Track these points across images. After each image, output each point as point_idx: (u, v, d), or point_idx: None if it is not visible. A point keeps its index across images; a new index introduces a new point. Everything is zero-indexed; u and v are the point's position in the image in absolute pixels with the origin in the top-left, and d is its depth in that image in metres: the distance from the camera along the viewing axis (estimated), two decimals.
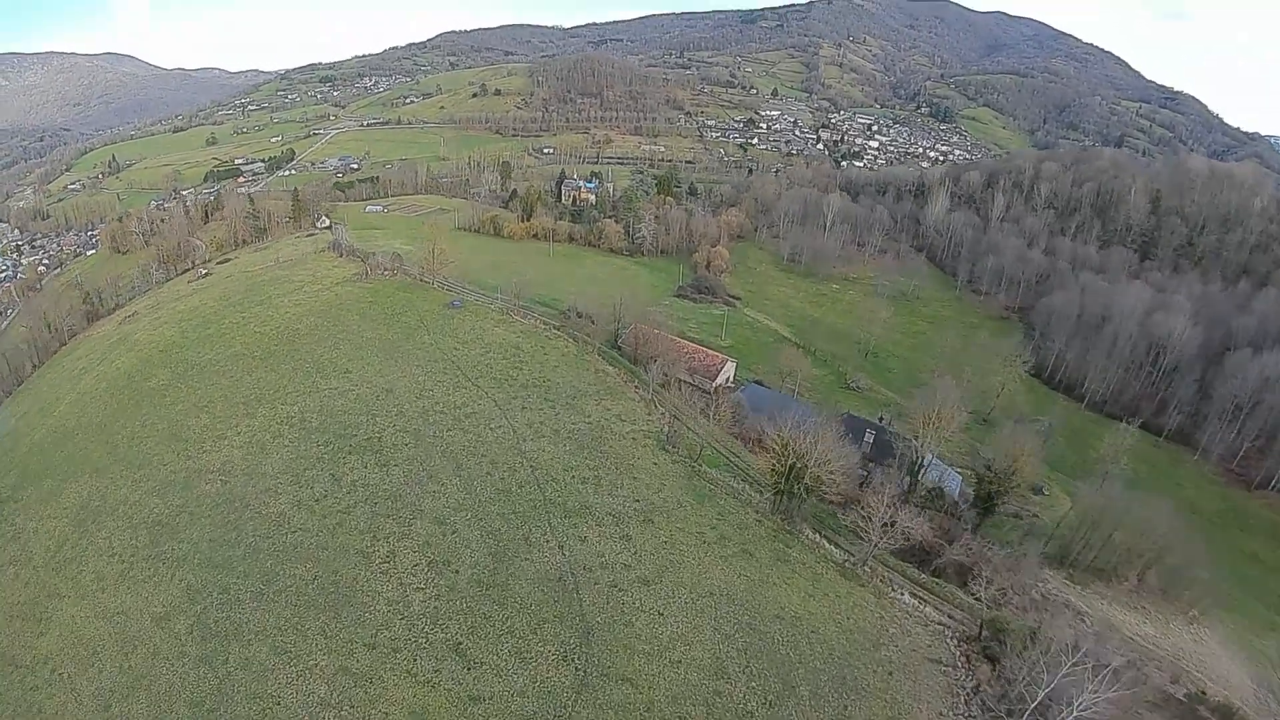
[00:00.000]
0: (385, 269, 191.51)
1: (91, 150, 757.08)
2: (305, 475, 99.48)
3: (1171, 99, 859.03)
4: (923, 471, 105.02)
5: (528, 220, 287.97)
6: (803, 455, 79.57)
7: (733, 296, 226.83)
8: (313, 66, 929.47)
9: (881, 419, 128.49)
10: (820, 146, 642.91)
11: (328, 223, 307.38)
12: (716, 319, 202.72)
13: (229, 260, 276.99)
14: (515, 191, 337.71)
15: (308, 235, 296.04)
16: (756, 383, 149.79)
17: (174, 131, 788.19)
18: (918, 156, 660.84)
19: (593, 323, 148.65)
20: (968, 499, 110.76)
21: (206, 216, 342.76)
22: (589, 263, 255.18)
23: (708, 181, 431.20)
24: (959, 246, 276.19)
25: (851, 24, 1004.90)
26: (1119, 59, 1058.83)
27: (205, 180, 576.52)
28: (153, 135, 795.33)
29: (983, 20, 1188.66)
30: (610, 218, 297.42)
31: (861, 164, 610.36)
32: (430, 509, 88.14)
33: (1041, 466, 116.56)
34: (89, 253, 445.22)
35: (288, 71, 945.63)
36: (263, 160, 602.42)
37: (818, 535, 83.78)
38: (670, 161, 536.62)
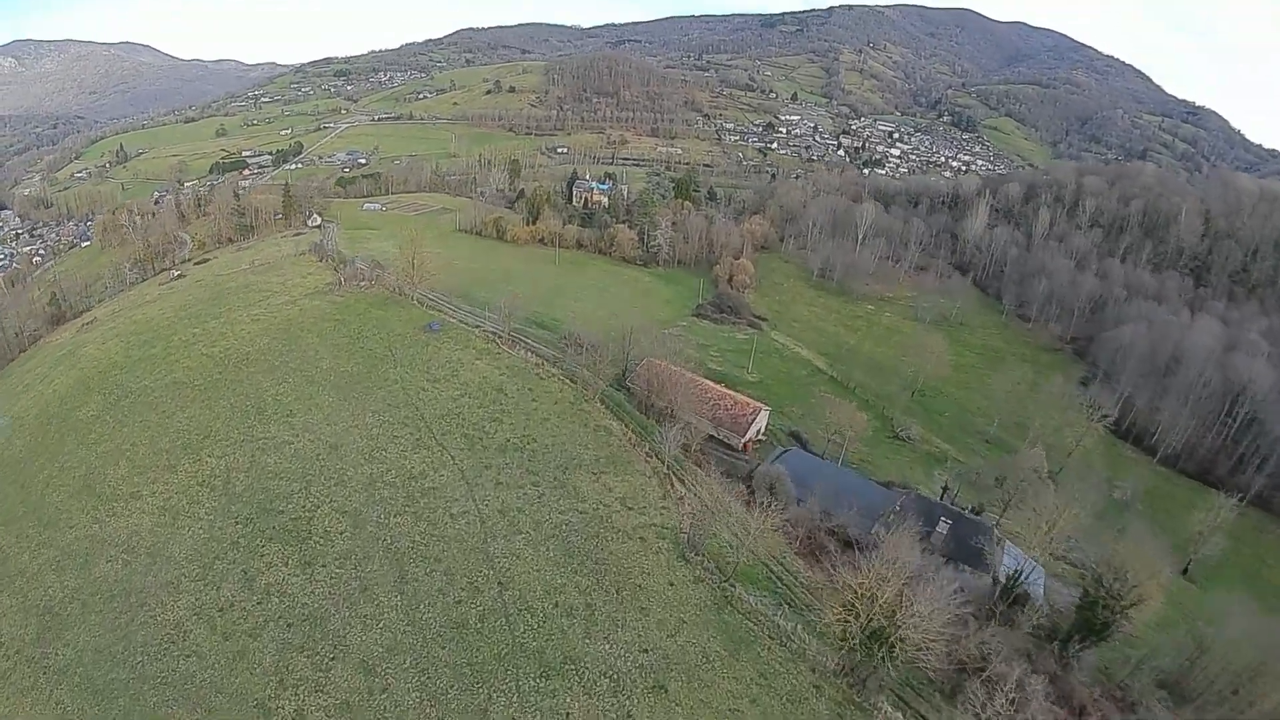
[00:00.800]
0: (362, 279, 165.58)
1: (102, 139, 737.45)
2: (215, 568, 76.10)
3: (1193, 114, 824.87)
4: (1020, 583, 77.77)
5: (534, 224, 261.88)
6: (890, 611, 52.35)
7: (758, 317, 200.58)
8: (328, 60, 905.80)
9: (953, 494, 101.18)
10: (841, 153, 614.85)
11: (318, 221, 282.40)
12: (741, 346, 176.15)
13: (208, 260, 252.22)
14: (523, 192, 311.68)
15: (295, 235, 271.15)
16: (796, 439, 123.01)
17: (185, 122, 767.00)
18: (940, 166, 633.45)
19: (596, 356, 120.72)
20: (1058, 610, 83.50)
21: (200, 211, 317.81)
22: (598, 273, 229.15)
23: (727, 186, 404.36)
24: (1001, 265, 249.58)
25: (872, 30, 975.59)
26: (1139, 71, 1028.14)
27: (210, 172, 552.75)
28: (164, 125, 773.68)
29: (1003, 30, 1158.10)
30: (624, 223, 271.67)
31: (884, 172, 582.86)
32: (358, 646, 63.08)
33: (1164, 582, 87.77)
34: (84, 244, 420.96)
35: (303, 65, 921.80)
36: (270, 153, 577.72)
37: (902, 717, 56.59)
38: (688, 164, 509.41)
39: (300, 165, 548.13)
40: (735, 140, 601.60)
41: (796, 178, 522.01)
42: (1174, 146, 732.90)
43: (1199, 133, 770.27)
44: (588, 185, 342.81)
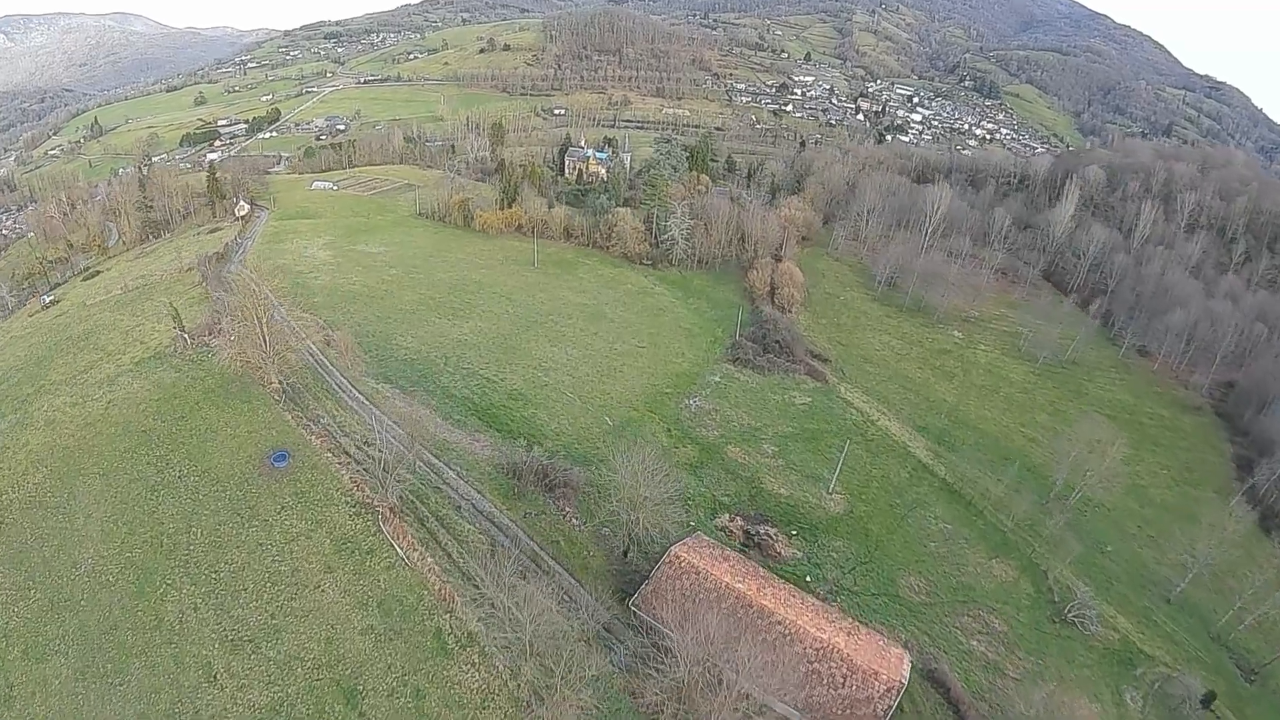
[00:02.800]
0: (225, 333, 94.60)
1: (84, 112, 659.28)
2: None
3: (1216, 89, 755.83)
4: None
5: (509, 206, 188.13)
6: None
7: (818, 357, 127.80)
8: (321, 24, 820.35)
9: None
10: (860, 117, 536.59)
11: (246, 210, 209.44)
12: (805, 421, 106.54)
13: (99, 273, 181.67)
14: (503, 163, 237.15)
15: (211, 231, 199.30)
16: (933, 681, 54.17)
17: (168, 91, 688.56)
18: (964, 133, 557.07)
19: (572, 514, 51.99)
20: None
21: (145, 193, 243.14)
22: (592, 281, 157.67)
23: (745, 154, 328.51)
24: (1100, 273, 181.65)
25: None
26: (1157, 43, 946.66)
27: (181, 144, 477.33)
28: (148, 95, 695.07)
29: None
30: (626, 203, 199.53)
31: (908, 139, 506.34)
32: None
33: None
34: (29, 235, 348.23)
35: (294, 30, 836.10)
36: (246, 121, 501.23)
37: None
38: (697, 127, 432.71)
39: (275, 134, 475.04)
40: (747, 102, 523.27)
41: (815, 143, 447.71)
42: (1199, 123, 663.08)
43: (1223, 109, 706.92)
44: (582, 153, 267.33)
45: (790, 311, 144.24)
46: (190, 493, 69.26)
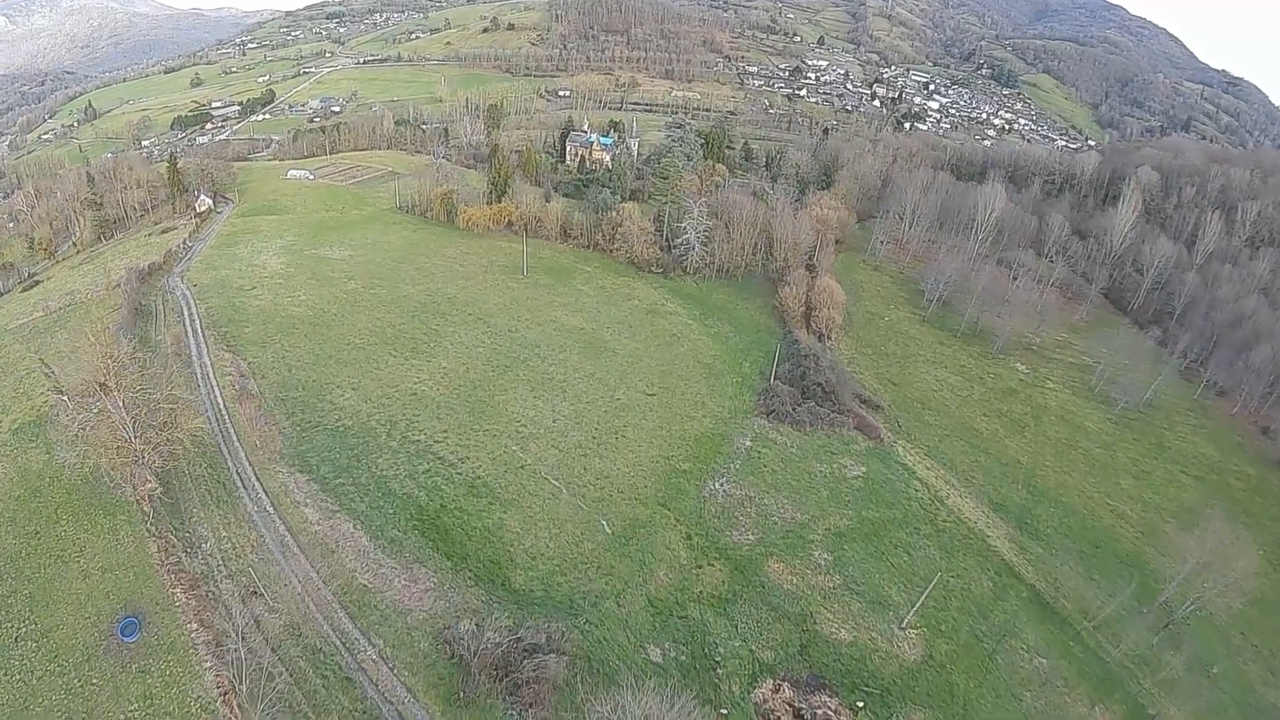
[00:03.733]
0: (99, 396, 68.07)
1: (82, 94, 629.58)
2: None
3: (1234, 84, 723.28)
4: None
5: (498, 201, 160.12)
6: None
7: (868, 403, 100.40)
8: (324, 4, 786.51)
9: None
10: (876, 103, 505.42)
11: (207, 205, 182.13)
12: (860, 502, 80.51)
13: (37, 283, 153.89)
14: (496, 148, 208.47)
15: (164, 231, 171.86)
16: None
17: (166, 73, 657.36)
18: (982, 123, 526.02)
19: None
20: None
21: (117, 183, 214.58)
22: (592, 296, 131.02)
23: (760, 139, 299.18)
24: (1160, 291, 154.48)
25: None
26: (1173, 36, 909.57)
27: (172, 127, 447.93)
28: (146, 77, 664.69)
29: None
30: (633, 196, 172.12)
31: (925, 127, 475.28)
32: None
33: None
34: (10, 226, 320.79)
35: (299, 10, 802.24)
36: (240, 103, 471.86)
37: None
38: (708, 111, 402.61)
39: (268, 116, 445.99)
40: (760, 85, 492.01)
41: (834, 129, 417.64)
42: (1217, 119, 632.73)
43: (1240, 105, 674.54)
44: (585, 139, 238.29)
45: (830, 338, 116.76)
46: (23, 672, 43.55)
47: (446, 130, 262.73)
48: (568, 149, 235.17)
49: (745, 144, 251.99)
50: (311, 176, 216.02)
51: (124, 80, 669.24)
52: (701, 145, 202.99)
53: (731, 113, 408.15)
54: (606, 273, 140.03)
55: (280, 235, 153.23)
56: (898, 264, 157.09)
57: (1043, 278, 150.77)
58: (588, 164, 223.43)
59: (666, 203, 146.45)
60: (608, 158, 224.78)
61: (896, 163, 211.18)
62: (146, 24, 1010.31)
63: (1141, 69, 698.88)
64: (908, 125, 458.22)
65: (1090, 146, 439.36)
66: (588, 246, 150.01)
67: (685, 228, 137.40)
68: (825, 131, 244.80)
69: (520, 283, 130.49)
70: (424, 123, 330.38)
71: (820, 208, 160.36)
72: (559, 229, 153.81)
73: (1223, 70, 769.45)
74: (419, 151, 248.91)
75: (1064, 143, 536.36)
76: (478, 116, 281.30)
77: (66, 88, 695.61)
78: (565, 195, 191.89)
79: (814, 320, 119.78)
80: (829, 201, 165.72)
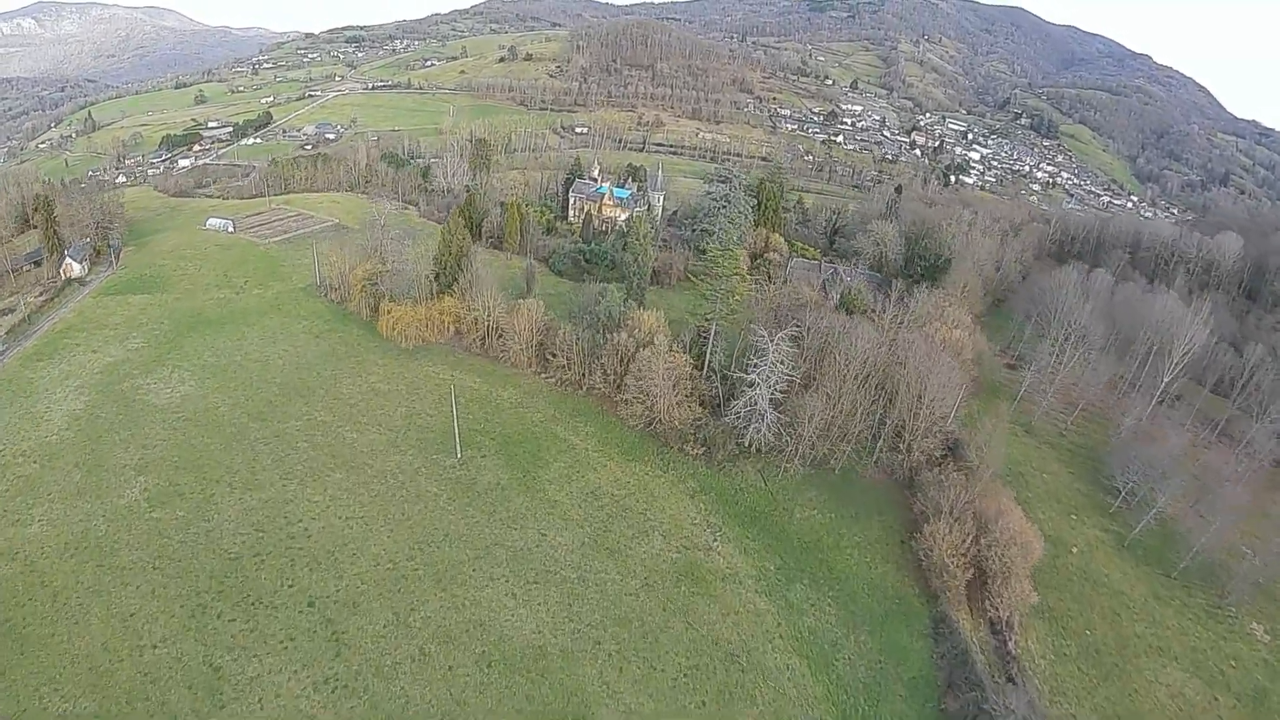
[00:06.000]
0: None
1: (92, 104, 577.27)
2: None
3: (1265, 135, 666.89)
4: None
5: (447, 289, 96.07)
6: None
7: None
8: (347, 28, 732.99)
9: None
10: (916, 152, 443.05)
11: (78, 272, 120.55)
12: None
13: None
14: (471, 198, 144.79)
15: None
16: None
17: (175, 88, 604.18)
18: (1025, 176, 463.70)
19: None
20: None
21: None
22: (577, 515, 69.14)
23: (799, 191, 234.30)
24: None
25: (926, 21, 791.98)
26: (1200, 85, 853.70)
27: (160, 145, 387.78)
28: (158, 90, 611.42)
29: (1058, 32, 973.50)
30: (655, 280, 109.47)
31: (971, 180, 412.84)
32: None
33: None
34: None
35: (321, 32, 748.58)
36: (234, 125, 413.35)
37: None
38: (739, 156, 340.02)
39: (261, 140, 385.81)
40: (793, 129, 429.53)
41: (876, 182, 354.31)
42: (1254, 171, 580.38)
43: (1275, 158, 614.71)
44: (594, 190, 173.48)
45: (1014, 630, 52.30)
46: None
47: (426, 170, 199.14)
48: (571, 201, 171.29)
49: (799, 200, 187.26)
50: (232, 229, 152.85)
51: (137, 92, 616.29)
52: (755, 202, 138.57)
53: (765, 159, 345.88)
54: (608, 450, 75.56)
55: (126, 338, 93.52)
56: (1060, 424, 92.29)
57: (1256, 447, 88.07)
58: (595, 223, 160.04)
59: (719, 317, 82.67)
60: (622, 217, 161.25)
61: (1005, 241, 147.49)
62: (174, 38, 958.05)
63: (1175, 119, 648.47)
64: (953, 178, 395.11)
65: (1180, 216, 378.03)
66: (578, 386, 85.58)
67: (754, 392, 72.44)
68: (898, 190, 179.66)
69: (447, 482, 66.98)
70: (412, 158, 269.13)
71: (947, 327, 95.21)
72: (534, 350, 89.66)
73: (1253, 120, 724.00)
74: (386, 196, 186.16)
75: (1106, 196, 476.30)
76: (449, 154, 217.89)
77: (85, 95, 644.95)
78: (559, 272, 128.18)
79: (990, 595, 55.46)
80: (955, 314, 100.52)
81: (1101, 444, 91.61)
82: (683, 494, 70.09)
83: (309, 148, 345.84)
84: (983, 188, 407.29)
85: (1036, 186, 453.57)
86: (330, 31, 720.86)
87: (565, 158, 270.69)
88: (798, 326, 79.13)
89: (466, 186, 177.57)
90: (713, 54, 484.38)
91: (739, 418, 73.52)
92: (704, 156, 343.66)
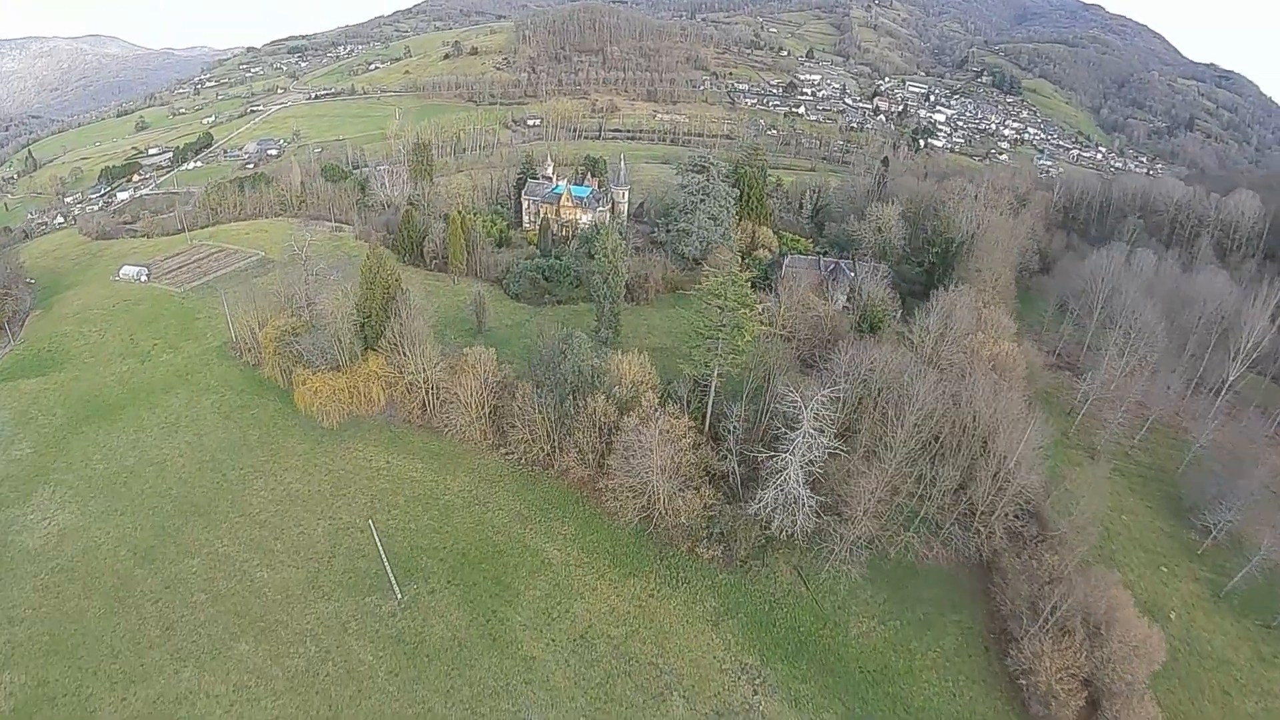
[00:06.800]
0: None
1: (38, 140, 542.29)
2: None
3: (1225, 78, 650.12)
4: None
5: (374, 344, 74.98)
6: None
7: None
8: (290, 39, 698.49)
9: None
10: (881, 118, 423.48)
11: None
12: None
13: None
14: (409, 215, 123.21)
15: None
16: None
17: (118, 116, 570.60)
18: (992, 135, 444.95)
19: None
20: None
21: None
22: (561, 677, 44.60)
23: (774, 169, 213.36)
24: None
25: None
26: (1155, 32, 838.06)
27: (100, 179, 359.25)
28: (100, 121, 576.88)
29: None
30: (630, 297, 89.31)
31: (941, 143, 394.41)
32: None
33: None
34: None
35: (264, 45, 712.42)
36: (174, 149, 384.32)
37: None
38: (700, 136, 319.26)
39: (201, 164, 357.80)
40: (753, 104, 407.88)
41: (846, 152, 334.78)
42: (1218, 115, 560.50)
43: (1237, 99, 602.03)
44: (548, 190, 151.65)
45: None
46: None
47: (364, 183, 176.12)
48: (524, 204, 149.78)
49: (778, 181, 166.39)
50: (145, 278, 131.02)
51: (81, 125, 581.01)
52: (738, 193, 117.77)
53: (728, 136, 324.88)
54: (595, 561, 56.81)
55: (10, 444, 76.75)
56: (1124, 440, 73.92)
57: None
58: (554, 228, 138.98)
59: (717, 363, 62.04)
60: (584, 218, 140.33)
61: (1018, 215, 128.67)
62: (116, 65, 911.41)
63: (1134, 68, 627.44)
64: (922, 142, 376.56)
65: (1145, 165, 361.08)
66: (549, 467, 65.26)
67: (784, 460, 52.46)
68: (885, 162, 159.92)
69: (387, 641, 48.31)
70: (371, 166, 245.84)
71: (991, 338, 75.50)
72: (487, 418, 69.15)
73: (1211, 64, 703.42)
74: (332, 215, 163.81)
75: (1077, 151, 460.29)
76: (388, 162, 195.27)
77: (30, 133, 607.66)
78: (515, 296, 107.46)
79: None
80: (995, 316, 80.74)
81: (1171, 462, 74.00)
82: (702, 621, 50.95)
83: (250, 166, 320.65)
84: (952, 150, 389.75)
85: (1005, 145, 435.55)
86: (272, 44, 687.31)
87: (519, 154, 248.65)
88: (834, 383, 58.62)
89: (410, 200, 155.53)
90: (664, 33, 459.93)
91: (765, 508, 53.58)
92: (664, 139, 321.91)
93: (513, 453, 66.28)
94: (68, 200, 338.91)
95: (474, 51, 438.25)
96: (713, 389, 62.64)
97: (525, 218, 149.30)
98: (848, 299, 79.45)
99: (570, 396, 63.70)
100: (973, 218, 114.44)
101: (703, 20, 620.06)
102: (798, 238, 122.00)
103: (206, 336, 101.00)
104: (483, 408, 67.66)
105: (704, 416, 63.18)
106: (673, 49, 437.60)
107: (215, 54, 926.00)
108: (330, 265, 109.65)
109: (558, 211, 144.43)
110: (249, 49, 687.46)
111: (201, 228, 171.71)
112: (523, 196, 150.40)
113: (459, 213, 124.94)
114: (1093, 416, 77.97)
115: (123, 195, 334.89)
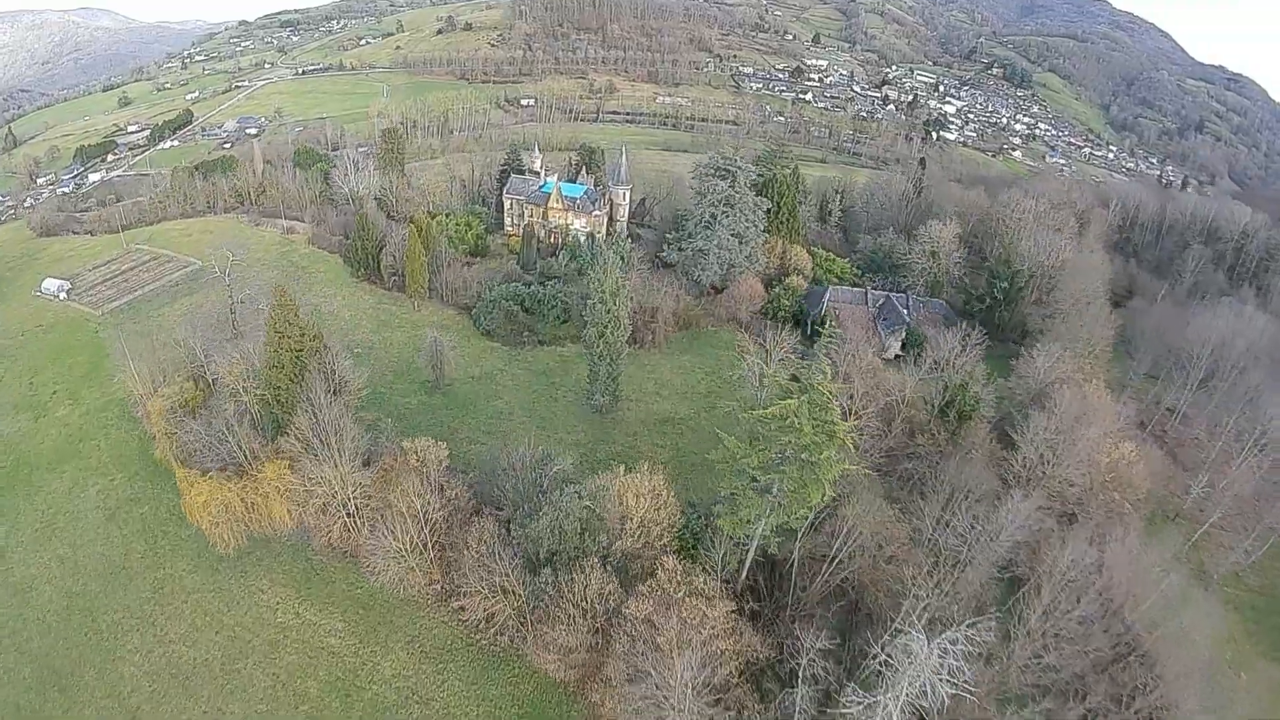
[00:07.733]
0: None
1: (21, 116, 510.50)
2: None
3: (1234, 80, 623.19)
4: None
5: (279, 440, 51.61)
6: None
7: None
8: (282, 12, 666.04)
9: None
10: (891, 108, 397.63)
11: None
12: None
13: None
14: (363, 219, 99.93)
15: None
16: None
17: (103, 90, 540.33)
18: (1004, 129, 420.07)
19: None
20: None
21: None
22: None
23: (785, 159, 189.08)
24: None
25: None
26: (1163, 31, 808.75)
27: (75, 159, 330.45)
28: (88, 95, 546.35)
29: None
30: (635, 341, 65.58)
31: (953, 136, 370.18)
32: None
33: None
34: None
35: (257, 19, 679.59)
36: (151, 128, 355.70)
37: None
38: (704, 120, 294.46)
39: (179, 142, 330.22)
40: (758, 89, 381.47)
41: (856, 141, 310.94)
42: (1228, 118, 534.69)
43: (1245, 103, 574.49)
44: (535, 189, 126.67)
45: None
46: None
47: (327, 174, 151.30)
48: (506, 204, 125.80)
49: (795, 168, 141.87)
50: (64, 294, 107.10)
51: (66, 99, 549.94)
52: (768, 200, 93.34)
53: (733, 123, 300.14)
54: None
55: None
56: (1235, 558, 52.49)
57: None
58: (540, 236, 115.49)
59: (767, 519, 39.12)
60: (577, 224, 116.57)
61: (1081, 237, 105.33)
62: (109, 38, 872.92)
63: (1143, 66, 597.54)
64: (934, 135, 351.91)
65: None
66: (520, 640, 42.31)
67: (878, 701, 30.10)
68: (922, 163, 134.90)
69: None
70: (334, 149, 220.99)
71: (1108, 437, 52.30)
72: (432, 561, 46.23)
73: (1219, 65, 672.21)
74: (289, 214, 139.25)
75: (1089, 149, 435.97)
76: (358, 151, 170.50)
77: (18, 107, 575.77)
78: (487, 332, 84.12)
79: None
80: (1098, 397, 57.53)
81: None
82: None
83: (227, 146, 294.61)
84: (964, 144, 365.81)
85: (1018, 140, 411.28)
86: (265, 17, 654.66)
87: (510, 136, 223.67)
88: (979, 612, 35.77)
89: (376, 196, 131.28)
90: (666, 12, 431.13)
91: None
92: (666, 124, 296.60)
93: (469, 615, 43.61)
94: (39, 181, 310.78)
95: (468, 27, 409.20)
96: (754, 548, 40.19)
97: (507, 219, 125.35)
98: (945, 398, 55.61)
99: (549, 565, 40.83)
100: (1037, 242, 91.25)
101: (706, 1, 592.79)
102: (832, 256, 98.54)
103: (112, 383, 77.76)
104: (426, 548, 44.95)
105: (738, 572, 40.83)
106: (676, 29, 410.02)
107: (212, 27, 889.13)
108: (260, 290, 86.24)
109: (545, 214, 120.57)
110: (241, 22, 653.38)
111: (149, 224, 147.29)
112: (505, 195, 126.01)
113: (424, 217, 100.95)
114: (1204, 526, 55.81)
115: (94, 177, 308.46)
